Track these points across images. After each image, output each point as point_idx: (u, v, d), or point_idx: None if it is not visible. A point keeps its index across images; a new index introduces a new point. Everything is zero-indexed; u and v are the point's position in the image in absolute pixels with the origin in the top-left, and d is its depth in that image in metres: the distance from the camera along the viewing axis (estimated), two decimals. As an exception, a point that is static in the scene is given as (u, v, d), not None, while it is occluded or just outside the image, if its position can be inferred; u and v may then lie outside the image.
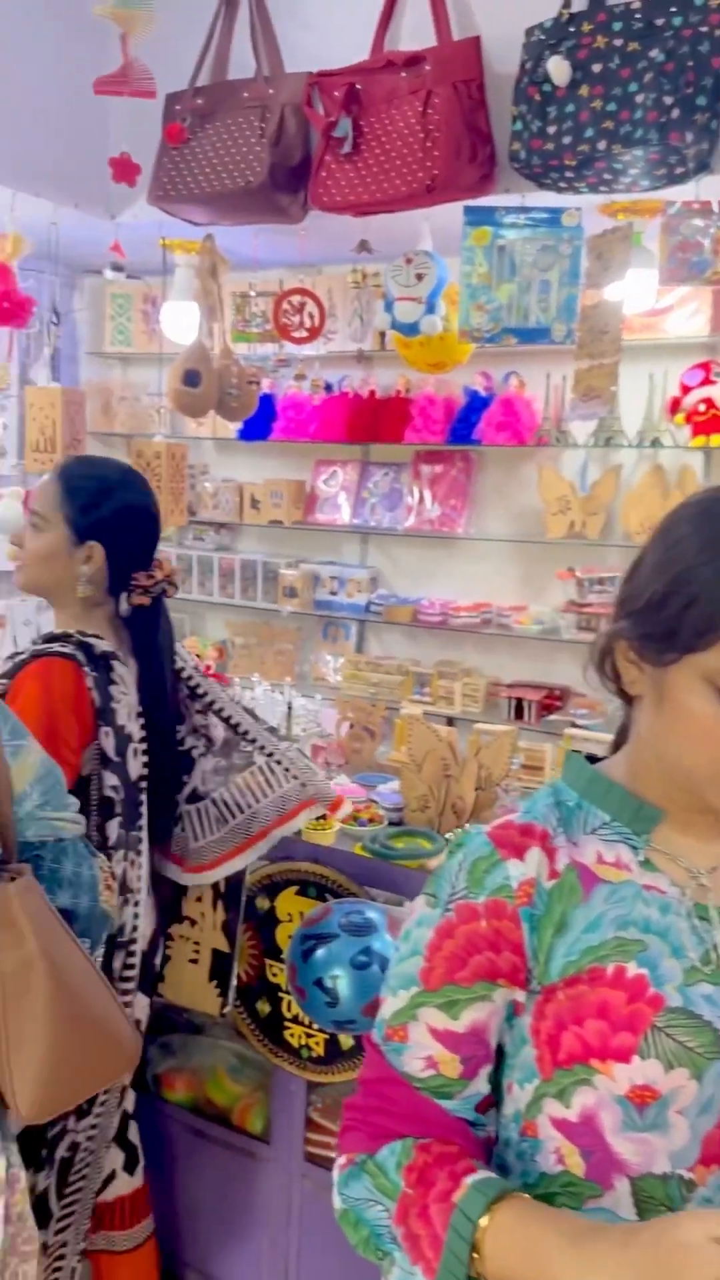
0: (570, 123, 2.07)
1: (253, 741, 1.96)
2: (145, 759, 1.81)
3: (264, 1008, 2.16)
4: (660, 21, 1.96)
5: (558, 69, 2.06)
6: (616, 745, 1.04)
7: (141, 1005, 1.86)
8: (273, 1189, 2.22)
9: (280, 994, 2.14)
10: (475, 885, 0.94)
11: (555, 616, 3.46)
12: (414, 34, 2.32)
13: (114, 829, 1.73)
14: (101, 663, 1.73)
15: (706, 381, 3.05)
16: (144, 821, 1.80)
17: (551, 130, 2.10)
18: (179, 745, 1.96)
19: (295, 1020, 2.11)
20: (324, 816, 2.15)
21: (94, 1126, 1.79)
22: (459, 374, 3.29)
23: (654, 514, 3.22)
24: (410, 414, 3.61)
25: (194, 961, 2.10)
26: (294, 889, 2.13)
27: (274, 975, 2.15)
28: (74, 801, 1.45)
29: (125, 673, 1.77)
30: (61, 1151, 1.74)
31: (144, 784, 1.80)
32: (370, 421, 3.69)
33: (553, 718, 3.36)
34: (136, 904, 1.79)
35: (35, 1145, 1.70)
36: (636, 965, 0.90)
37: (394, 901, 2.07)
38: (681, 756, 0.90)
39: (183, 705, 1.97)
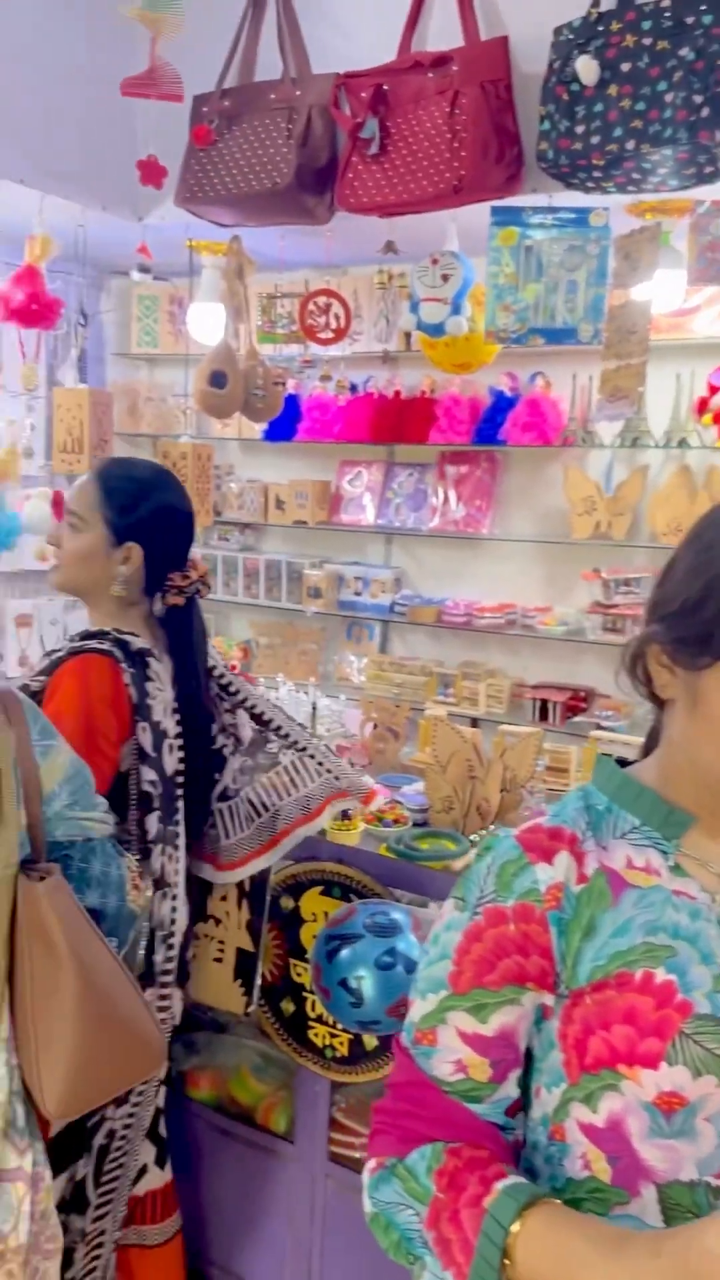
0: (599, 122, 2.06)
1: (285, 736, 1.99)
2: (181, 754, 1.83)
3: (288, 1007, 2.17)
4: (690, 20, 1.94)
5: (586, 68, 2.05)
6: (647, 749, 1.03)
7: (178, 999, 1.89)
8: (296, 1188, 2.22)
9: (304, 993, 2.14)
10: (503, 889, 0.94)
11: (580, 617, 3.44)
12: (441, 34, 2.32)
13: (153, 823, 1.76)
14: (138, 659, 1.75)
15: (734, 381, 3.04)
16: (180, 816, 1.83)
17: (580, 130, 2.09)
18: (211, 743, 1.98)
19: (319, 1020, 2.12)
20: (348, 816, 2.16)
21: (131, 1115, 1.82)
22: (484, 374, 3.28)
23: (681, 515, 3.20)
24: (435, 414, 3.60)
25: (219, 960, 2.11)
26: (318, 889, 2.14)
27: (298, 975, 2.15)
28: (102, 801, 1.46)
29: (161, 669, 1.80)
30: (99, 1139, 1.77)
31: (180, 779, 1.83)
32: (395, 422, 3.68)
33: (578, 719, 3.34)
34: (175, 898, 1.82)
35: (75, 1134, 1.73)
36: (665, 971, 0.90)
37: (418, 902, 2.07)
38: (715, 761, 0.90)
39: (212, 704, 1.99)
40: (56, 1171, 1.72)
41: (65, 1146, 1.74)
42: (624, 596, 3.31)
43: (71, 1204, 1.76)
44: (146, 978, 1.78)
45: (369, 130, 2.34)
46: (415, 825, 2.26)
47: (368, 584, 3.88)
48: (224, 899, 2.09)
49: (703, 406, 3.10)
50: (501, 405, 3.49)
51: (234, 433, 4.10)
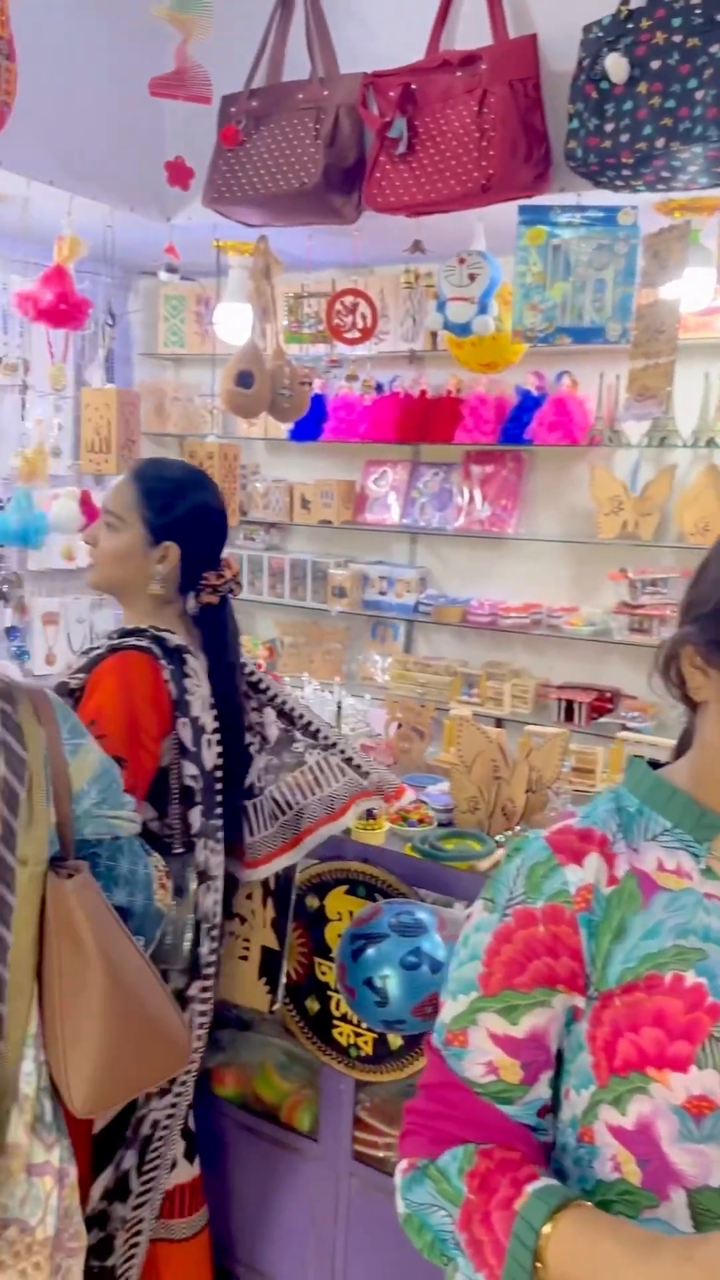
0: (628, 120, 2.05)
1: (314, 733, 2.00)
2: (219, 749, 1.85)
3: (313, 1005, 2.17)
4: (721, 16, 1.93)
5: (615, 66, 2.04)
6: (679, 751, 1.03)
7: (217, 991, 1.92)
8: (320, 1187, 2.22)
9: (329, 992, 2.14)
10: (533, 890, 0.94)
11: (606, 618, 3.43)
12: (470, 33, 2.31)
13: (196, 817, 1.78)
14: (175, 656, 1.78)
15: (764, 381, 3.01)
16: (220, 810, 1.85)
17: (609, 128, 2.08)
18: (244, 740, 2.00)
19: (344, 1019, 2.12)
20: (372, 815, 2.17)
21: (173, 1106, 1.85)
22: (511, 374, 3.27)
23: (709, 515, 3.18)
24: (461, 414, 3.60)
25: (244, 958, 2.11)
26: (343, 888, 2.14)
27: (323, 974, 2.16)
28: (130, 800, 1.47)
29: (197, 666, 1.82)
30: (145, 1129, 1.80)
31: (219, 773, 1.85)
32: (421, 421, 3.68)
33: (603, 720, 3.33)
34: (217, 890, 1.85)
35: (119, 1124, 1.76)
36: (695, 974, 0.89)
37: (443, 902, 2.07)
38: None
39: (242, 701, 2.00)
40: (103, 1162, 1.75)
41: (111, 1137, 1.77)
42: (651, 597, 3.29)
43: (115, 1193, 1.79)
44: (193, 970, 1.81)
45: (397, 130, 2.34)
46: (440, 825, 2.26)
47: (392, 583, 3.88)
48: (249, 897, 2.10)
49: (731, 406, 3.07)
50: (528, 404, 3.48)
51: (260, 432, 4.11)
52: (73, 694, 1.71)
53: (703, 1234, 0.84)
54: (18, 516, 2.82)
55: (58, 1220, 1.26)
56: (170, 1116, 1.85)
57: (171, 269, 3.06)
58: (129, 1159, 1.79)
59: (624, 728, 3.15)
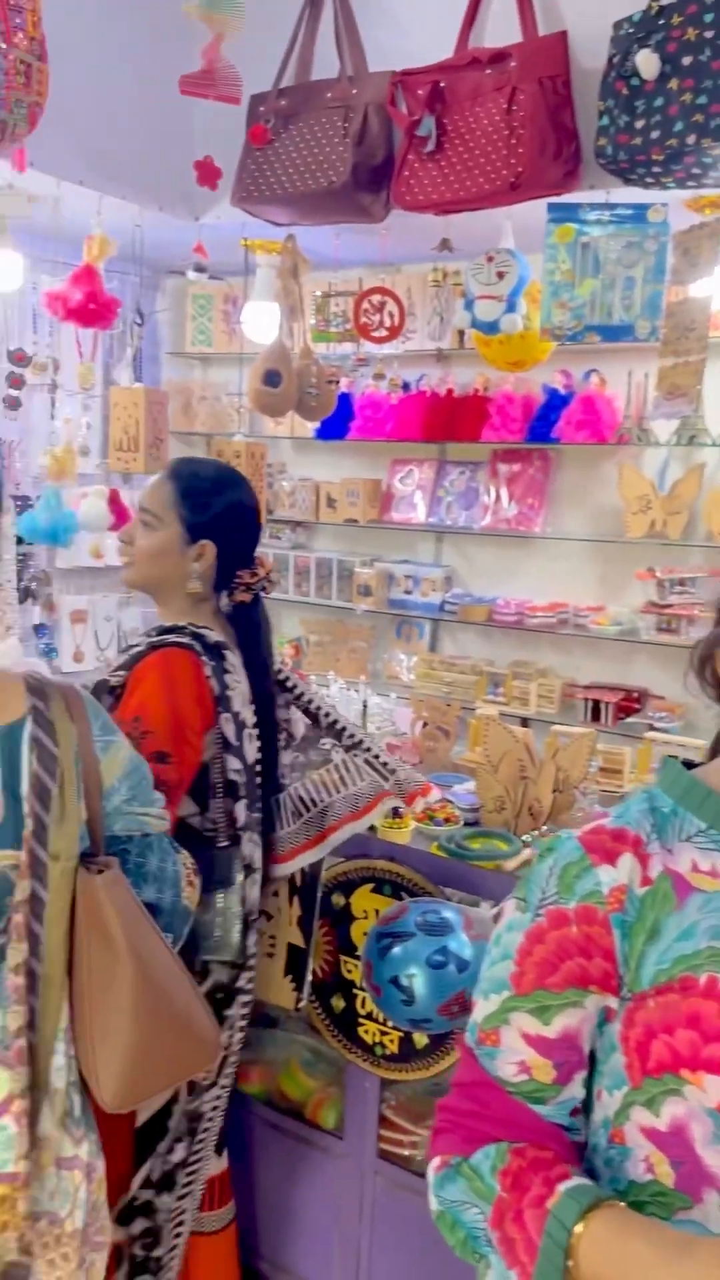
0: (659, 117, 2.04)
1: (340, 731, 2.01)
2: (258, 744, 1.87)
3: (338, 1003, 2.18)
4: (754, 12, 1.91)
5: (646, 62, 2.03)
6: (714, 752, 1.02)
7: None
8: (345, 1184, 2.23)
9: (354, 990, 2.15)
10: (566, 890, 0.94)
11: (634, 617, 3.41)
12: (499, 31, 2.31)
13: (241, 811, 1.80)
14: (215, 652, 1.79)
15: None
16: (260, 804, 1.88)
17: (639, 125, 2.07)
18: (277, 735, 2.02)
19: (369, 1017, 2.12)
20: (399, 814, 2.17)
21: (218, 1098, 1.87)
22: (538, 372, 3.26)
23: (738, 514, 3.15)
24: (488, 412, 3.59)
25: (270, 955, 2.12)
26: (369, 886, 2.14)
27: (348, 971, 2.16)
28: (159, 797, 1.48)
29: (236, 661, 1.84)
30: (194, 1122, 1.83)
31: (258, 767, 1.87)
32: (447, 420, 3.67)
33: (630, 720, 3.31)
34: (258, 883, 1.87)
35: (161, 1116, 1.78)
36: (729, 976, 0.88)
37: (470, 902, 2.07)
38: None
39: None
40: (146, 1155, 1.77)
41: (154, 1129, 1.79)
42: (679, 596, 3.27)
43: (163, 1184, 1.81)
44: (240, 961, 1.83)
45: (426, 128, 2.34)
46: (466, 825, 2.26)
47: (418, 582, 3.88)
48: (275, 894, 2.10)
49: (761, 404, 3.05)
50: (555, 403, 3.47)
51: (286, 431, 4.12)
52: (113, 691, 1.73)
53: None
54: (47, 515, 2.84)
55: (86, 1214, 1.27)
56: (215, 1109, 1.88)
57: (200, 268, 3.06)
58: (179, 1151, 1.82)
59: (651, 728, 3.13)
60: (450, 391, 3.71)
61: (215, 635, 1.81)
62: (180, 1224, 1.86)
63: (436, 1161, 0.97)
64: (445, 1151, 0.97)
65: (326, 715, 2.03)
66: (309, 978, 2.10)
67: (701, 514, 3.28)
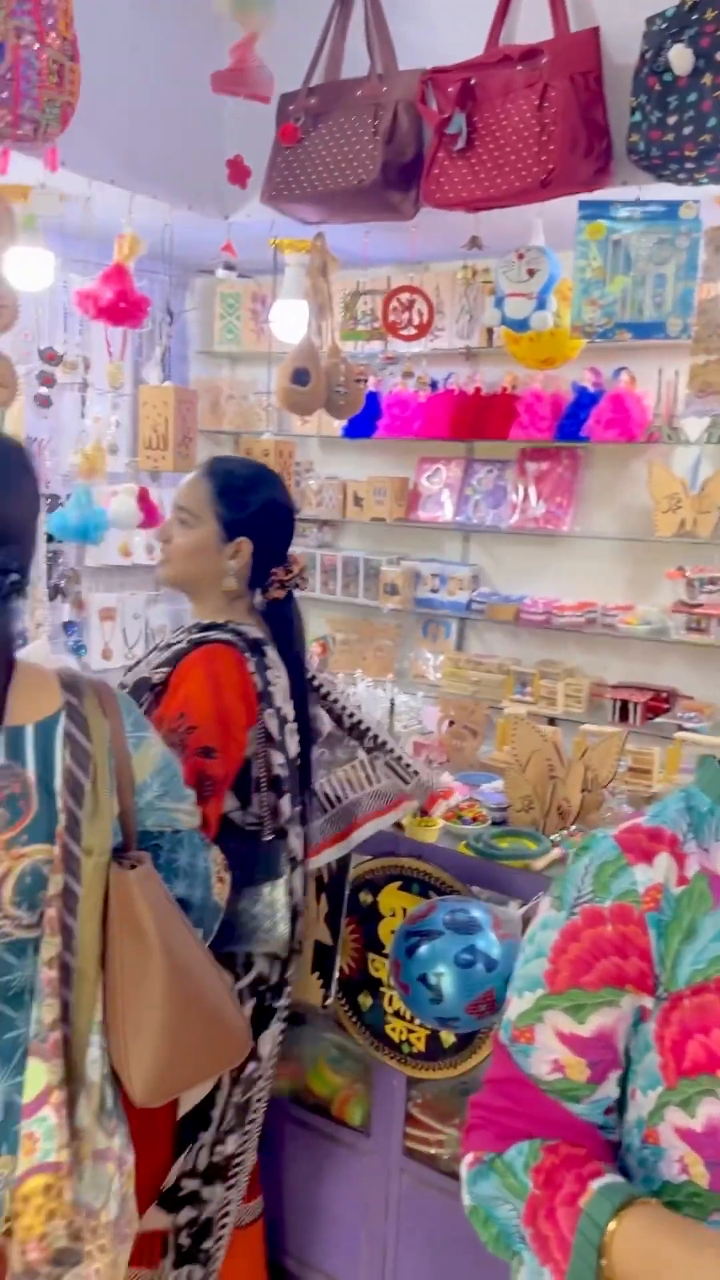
0: (692, 112, 2.02)
1: (364, 733, 2.01)
2: (298, 738, 1.89)
3: (365, 1001, 2.18)
4: (789, 6, 1.90)
5: (680, 58, 2.01)
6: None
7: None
8: (371, 1182, 2.23)
9: (381, 988, 2.15)
10: (601, 889, 0.93)
11: (663, 617, 3.39)
12: (530, 27, 2.30)
13: (286, 805, 1.82)
14: (256, 648, 1.81)
15: None
16: (300, 798, 1.89)
17: (672, 121, 2.06)
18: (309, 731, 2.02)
19: (397, 1015, 2.12)
20: (426, 812, 2.17)
21: (262, 1090, 1.90)
22: (567, 370, 3.25)
23: (769, 513, 3.13)
24: (516, 411, 3.57)
25: (297, 952, 2.12)
26: (397, 884, 2.14)
27: (376, 969, 2.16)
28: (190, 794, 1.49)
29: (275, 657, 1.85)
30: (247, 1113, 1.86)
31: (299, 761, 1.89)
32: (475, 418, 3.66)
33: (659, 720, 3.29)
34: (303, 877, 1.90)
35: (206, 1106, 1.80)
36: (766, 977, 0.88)
37: (498, 901, 2.06)
38: None
39: None
40: (186, 1143, 1.79)
41: (196, 1121, 1.81)
42: (709, 595, 3.24)
43: (213, 1175, 1.84)
44: (285, 954, 1.86)
45: (456, 125, 2.33)
46: (494, 824, 2.26)
47: (445, 581, 3.87)
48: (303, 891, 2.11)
49: None
50: (584, 401, 3.45)
51: (313, 429, 4.12)
52: (154, 689, 1.74)
53: None
54: (77, 512, 2.86)
55: (119, 1206, 1.28)
56: (260, 1100, 1.90)
57: (229, 267, 3.07)
58: (231, 1143, 1.84)
59: (680, 728, 3.11)
60: (478, 390, 3.70)
61: (255, 632, 1.83)
62: (227, 1214, 1.89)
63: (470, 1157, 0.97)
64: (478, 1147, 0.97)
65: (351, 715, 2.03)
66: (336, 975, 2.10)
67: (732, 513, 3.25)
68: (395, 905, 2.14)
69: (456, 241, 2.63)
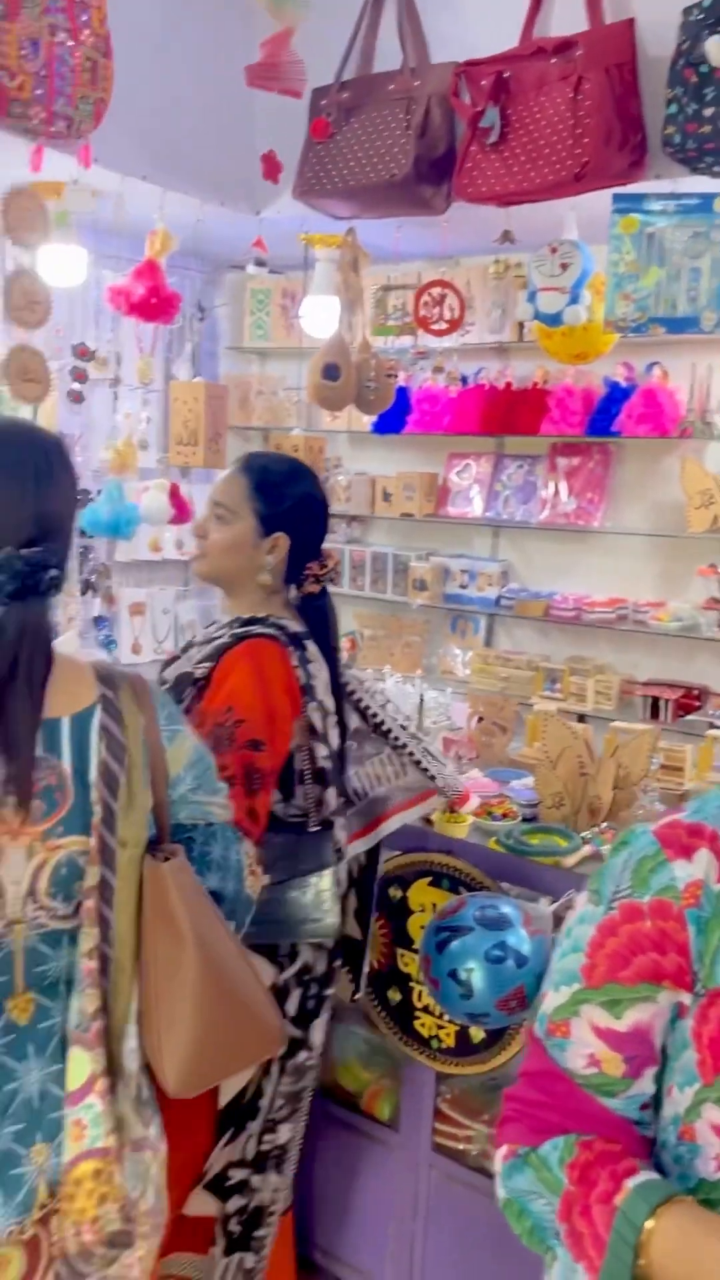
0: (728, 104, 2.00)
1: (386, 733, 2.01)
2: (338, 731, 1.90)
3: (395, 996, 2.18)
4: None
5: (716, 49, 2.00)
6: None
7: None
8: (400, 1177, 2.23)
9: (411, 983, 2.15)
10: (640, 884, 0.93)
11: (695, 614, 3.36)
12: (565, 19, 2.29)
13: (331, 797, 1.84)
14: (298, 642, 1.82)
15: None
16: (342, 790, 1.91)
17: (708, 113, 2.04)
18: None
19: (426, 1010, 2.12)
20: (454, 809, 2.16)
21: (313, 1079, 1.92)
22: (599, 365, 3.22)
23: None
24: (547, 405, 3.55)
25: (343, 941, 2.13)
26: (427, 880, 2.14)
27: (405, 965, 2.16)
28: (223, 787, 1.49)
29: (315, 651, 1.86)
30: (300, 1103, 1.90)
31: (340, 753, 1.90)
32: (506, 413, 3.64)
33: (691, 718, 3.27)
34: (346, 867, 1.92)
35: (255, 1097, 1.82)
36: None
37: (528, 897, 2.06)
38: None
39: None
40: (234, 1132, 1.82)
41: (245, 1108, 1.83)
42: (741, 592, 3.22)
43: (267, 1164, 1.86)
44: (331, 945, 1.88)
45: (489, 119, 2.32)
46: (524, 820, 2.25)
47: (474, 577, 3.86)
48: (334, 886, 2.11)
49: None
50: (616, 396, 3.42)
51: (343, 425, 4.12)
52: (196, 683, 1.74)
53: None
54: (109, 508, 2.87)
55: (155, 1195, 1.29)
56: (309, 1089, 1.93)
57: (260, 263, 3.08)
58: (284, 1132, 1.87)
59: (712, 725, 3.09)
60: (509, 385, 3.68)
61: (295, 626, 1.84)
62: (276, 1204, 1.91)
63: (504, 1150, 0.97)
64: (513, 1141, 0.96)
65: (374, 716, 2.03)
66: (366, 970, 2.10)
67: (765, 509, 3.22)
68: (425, 901, 2.14)
69: (488, 236, 2.62)
